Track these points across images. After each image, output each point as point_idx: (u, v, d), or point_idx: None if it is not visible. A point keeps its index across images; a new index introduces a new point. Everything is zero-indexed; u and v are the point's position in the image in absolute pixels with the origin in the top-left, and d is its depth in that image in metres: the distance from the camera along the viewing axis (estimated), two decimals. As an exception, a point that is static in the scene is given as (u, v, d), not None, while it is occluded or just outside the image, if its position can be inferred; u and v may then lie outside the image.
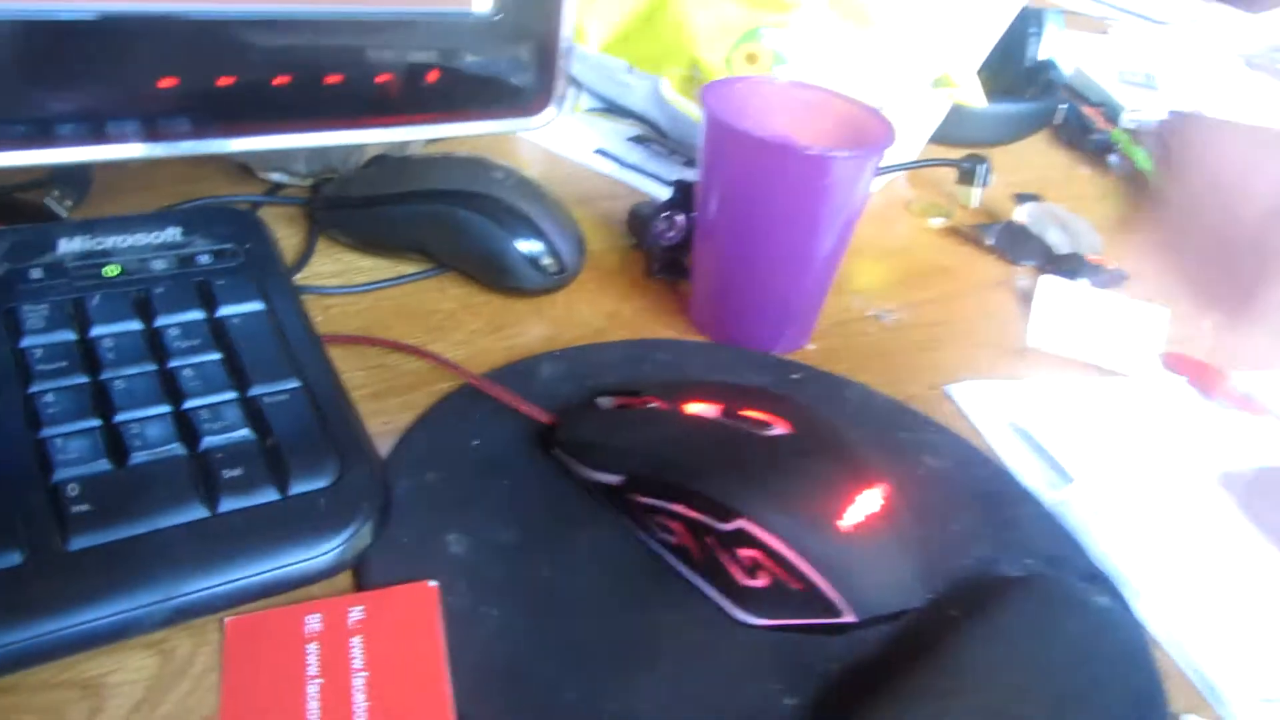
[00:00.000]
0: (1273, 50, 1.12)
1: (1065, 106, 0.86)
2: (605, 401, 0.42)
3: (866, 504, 0.35)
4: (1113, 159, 0.83)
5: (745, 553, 0.34)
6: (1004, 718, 0.31)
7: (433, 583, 0.34)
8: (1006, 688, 0.32)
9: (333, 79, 0.45)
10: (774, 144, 0.45)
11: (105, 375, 0.37)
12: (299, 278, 0.49)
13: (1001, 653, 0.34)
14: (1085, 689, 0.33)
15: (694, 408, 0.38)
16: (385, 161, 0.53)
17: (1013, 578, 0.38)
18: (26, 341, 0.37)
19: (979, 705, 0.32)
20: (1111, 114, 0.88)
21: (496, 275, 0.50)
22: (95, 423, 0.35)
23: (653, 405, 0.39)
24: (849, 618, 0.34)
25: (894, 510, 0.36)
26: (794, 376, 0.48)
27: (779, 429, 0.37)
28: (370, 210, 0.51)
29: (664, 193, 0.55)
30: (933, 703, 0.32)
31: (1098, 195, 0.77)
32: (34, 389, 0.36)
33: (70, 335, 0.38)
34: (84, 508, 0.32)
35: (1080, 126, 0.85)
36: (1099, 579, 0.40)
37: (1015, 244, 0.64)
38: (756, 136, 0.45)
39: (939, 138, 0.75)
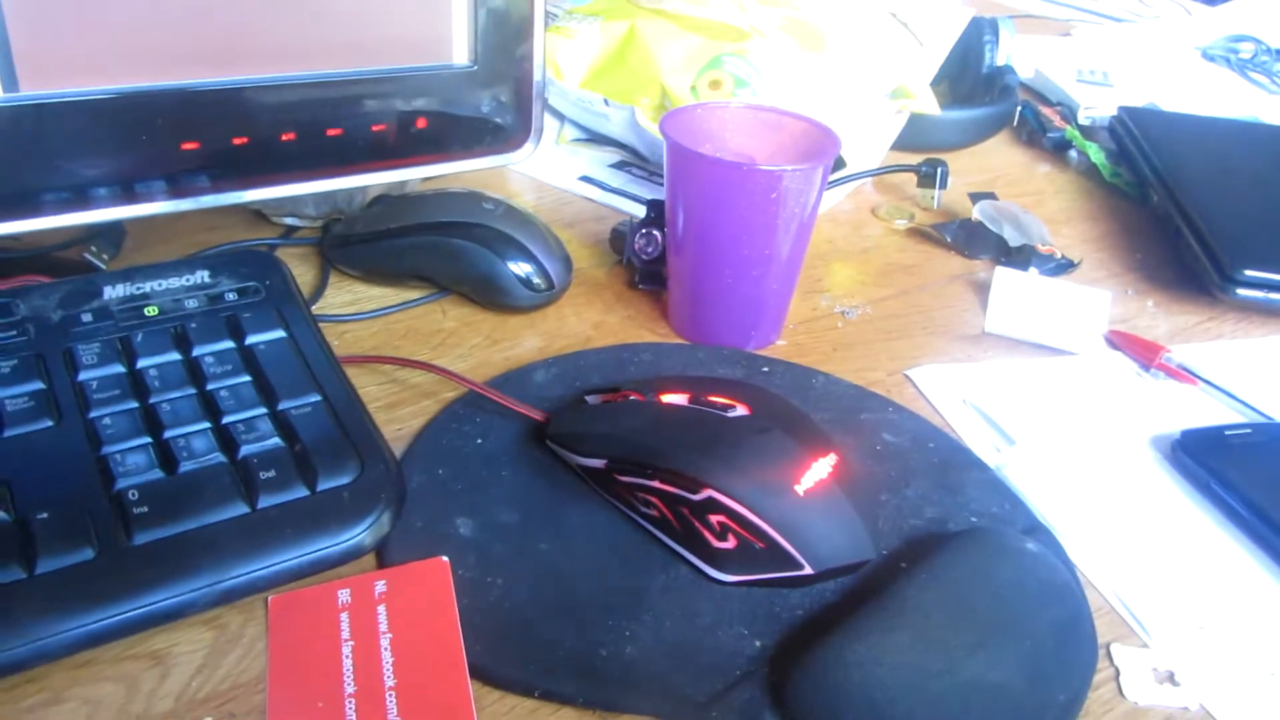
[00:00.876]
0: (1228, 42, 1.17)
1: (1021, 107, 0.92)
2: (592, 399, 0.47)
3: (819, 470, 0.40)
4: (1073, 155, 0.88)
5: (715, 519, 0.40)
6: (937, 644, 0.36)
7: (445, 559, 0.40)
8: (941, 621, 0.37)
9: (334, 131, 0.51)
10: (726, 164, 0.51)
11: (153, 399, 0.42)
12: (315, 308, 0.55)
13: (939, 593, 0.39)
14: (1014, 620, 0.38)
15: (667, 398, 0.44)
16: (387, 200, 0.59)
17: (956, 532, 0.43)
18: (83, 375, 0.43)
19: (915, 636, 0.37)
20: (1068, 113, 0.93)
21: (492, 295, 0.56)
22: (147, 440, 0.41)
23: (632, 398, 0.45)
24: (808, 570, 0.39)
25: (844, 475, 0.41)
26: (764, 370, 0.54)
27: (740, 410, 0.42)
28: (376, 244, 0.57)
29: (643, 212, 0.61)
30: (875, 636, 0.37)
31: (1055, 190, 0.82)
32: (93, 414, 0.41)
33: (120, 368, 0.44)
34: (143, 510, 0.38)
35: (1038, 126, 0.90)
36: (1035, 530, 0.45)
37: (972, 240, 0.69)
38: (711, 158, 0.51)
39: (903, 144, 0.81)
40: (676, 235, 0.55)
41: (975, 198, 0.74)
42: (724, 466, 0.40)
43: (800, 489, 0.40)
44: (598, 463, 0.43)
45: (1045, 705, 0.36)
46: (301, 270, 0.59)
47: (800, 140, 0.55)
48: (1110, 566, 0.44)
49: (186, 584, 0.36)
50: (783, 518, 0.39)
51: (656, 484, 0.41)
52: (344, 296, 0.57)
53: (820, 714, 0.35)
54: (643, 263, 0.60)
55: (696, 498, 0.40)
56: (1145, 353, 0.59)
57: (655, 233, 0.60)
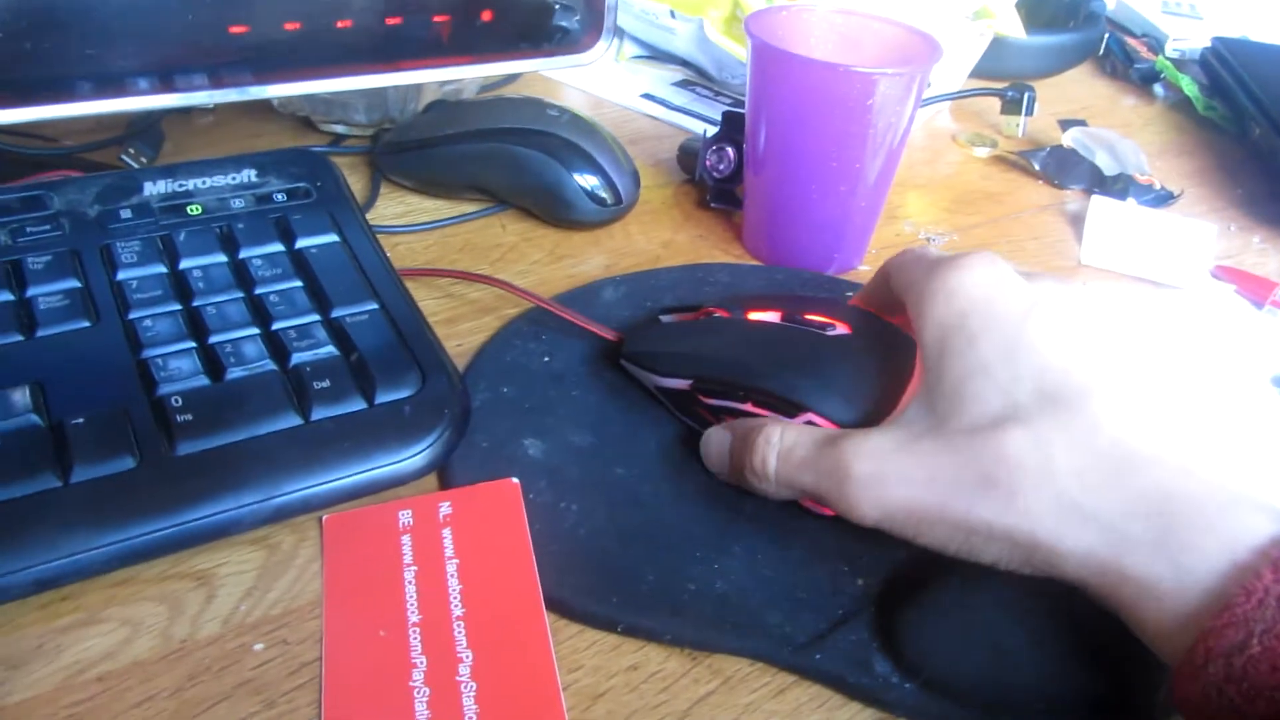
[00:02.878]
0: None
1: (1108, 37, 0.86)
2: (668, 318, 0.43)
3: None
4: (1158, 88, 0.83)
5: None
6: (1064, 588, 0.32)
7: (515, 480, 0.36)
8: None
9: (393, 20, 0.46)
10: (821, 65, 0.46)
11: (197, 303, 0.39)
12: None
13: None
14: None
15: (755, 315, 0.40)
16: (443, 106, 0.55)
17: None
18: (122, 274, 0.39)
19: (1043, 580, 0.33)
20: (1155, 44, 0.87)
21: (555, 208, 0.52)
22: (191, 344, 0.37)
23: (715, 315, 0.41)
24: None
25: None
26: (848, 294, 0.49)
27: (840, 329, 0.38)
28: (431, 151, 0.53)
29: (711, 131, 0.56)
30: (997, 578, 0.33)
31: (1143, 123, 0.77)
32: (132, 315, 0.38)
33: (162, 268, 0.40)
34: (187, 417, 0.34)
35: (1124, 57, 0.85)
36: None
37: (1063, 168, 0.65)
38: (802, 58, 0.46)
39: (980, 72, 0.76)
40: (757, 149, 0.50)
41: (1065, 124, 0.69)
42: (824, 388, 0.36)
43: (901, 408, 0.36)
44: (681, 383, 0.39)
45: (1159, 686, 0.32)
46: (351, 181, 0.54)
47: (894, 50, 0.50)
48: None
49: (234, 499, 0.33)
50: None
51: (748, 407, 0.37)
52: (396, 208, 0.53)
53: (939, 661, 0.31)
54: (715, 181, 0.56)
55: (793, 422, 0.36)
56: (1258, 289, 0.54)
57: (728, 148, 0.55)
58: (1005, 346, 0.31)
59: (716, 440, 0.37)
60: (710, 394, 0.38)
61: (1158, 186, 0.63)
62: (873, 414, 0.35)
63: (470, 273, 0.47)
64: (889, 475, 0.31)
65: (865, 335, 0.38)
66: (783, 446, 0.34)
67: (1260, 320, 0.53)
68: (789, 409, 0.36)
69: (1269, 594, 0.25)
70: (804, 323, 0.39)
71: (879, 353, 0.37)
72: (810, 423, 0.35)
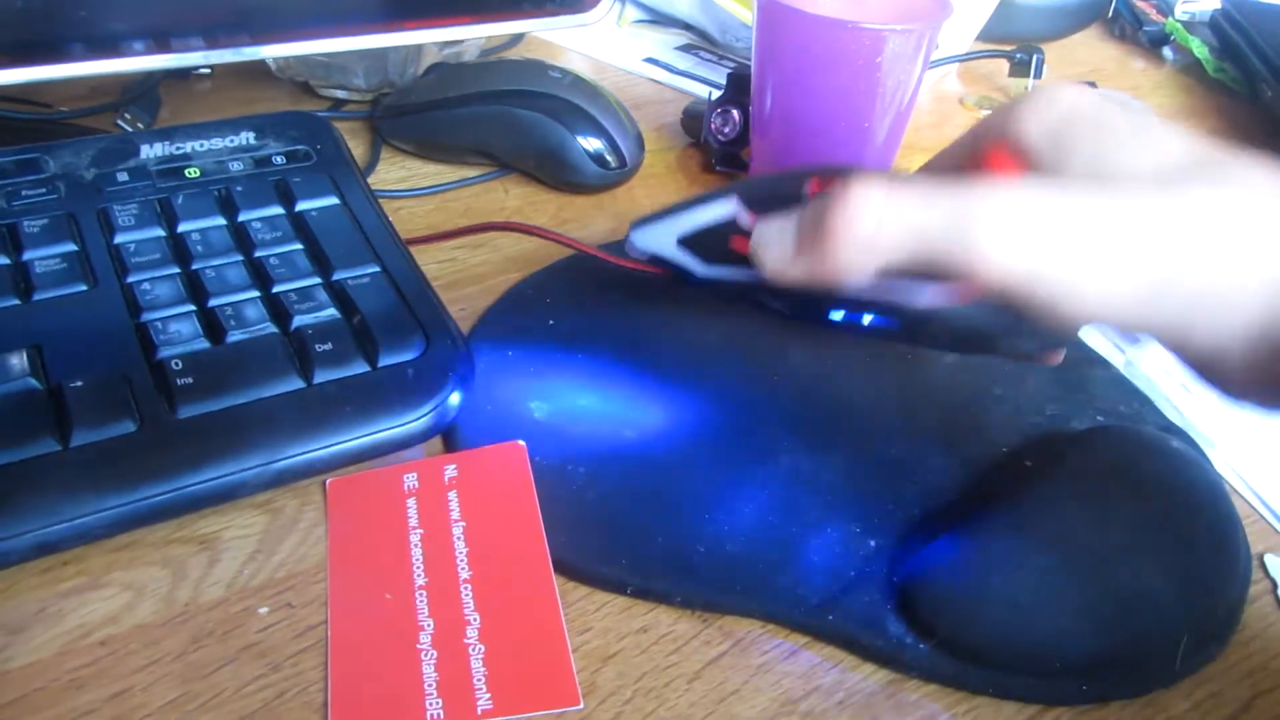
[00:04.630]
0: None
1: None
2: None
3: None
4: (1167, 51, 0.82)
5: None
6: (1081, 548, 0.32)
7: (521, 442, 0.36)
8: (1082, 521, 0.33)
9: (392, -23, 0.46)
10: (829, 22, 0.45)
11: (196, 265, 0.38)
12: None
13: (1076, 492, 0.34)
14: (1164, 519, 0.33)
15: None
16: (443, 69, 0.54)
17: (1087, 429, 0.39)
18: (120, 238, 0.39)
19: (1056, 537, 0.32)
20: (1165, 6, 0.86)
21: (558, 171, 0.51)
22: (191, 307, 0.37)
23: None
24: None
25: None
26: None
27: None
28: (432, 114, 0.52)
29: (716, 94, 0.55)
30: (1010, 537, 0.32)
31: (1153, 86, 0.76)
32: (131, 279, 0.37)
33: (160, 231, 0.39)
34: (188, 380, 0.34)
35: (1133, 19, 0.84)
36: (1172, 430, 0.40)
37: (1072, 130, 0.63)
38: (811, 16, 0.45)
39: (988, 34, 0.74)
40: (763, 110, 0.49)
41: (1075, 86, 0.68)
42: None
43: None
44: (722, 203, 0.35)
45: (1203, 618, 0.32)
46: (351, 145, 0.54)
47: (902, 8, 0.49)
48: (1257, 470, 0.39)
49: (237, 462, 0.33)
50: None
51: (811, 189, 0.33)
52: (397, 172, 0.52)
53: (954, 621, 0.31)
54: (720, 144, 0.55)
55: None
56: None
57: (734, 111, 0.55)
58: (1132, 132, 0.26)
59: (777, 227, 0.30)
60: (760, 204, 0.34)
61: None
62: None
63: (491, 223, 0.46)
64: (1055, 216, 0.25)
65: None
66: (883, 196, 0.26)
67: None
68: None
69: None
70: None
71: None
72: None
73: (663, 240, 0.38)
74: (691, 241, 0.37)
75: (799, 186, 0.33)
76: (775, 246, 0.30)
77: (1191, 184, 0.25)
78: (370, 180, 0.51)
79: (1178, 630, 0.31)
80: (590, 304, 0.43)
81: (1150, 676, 0.31)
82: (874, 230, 0.26)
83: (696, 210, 0.36)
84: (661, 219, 0.38)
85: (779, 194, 0.33)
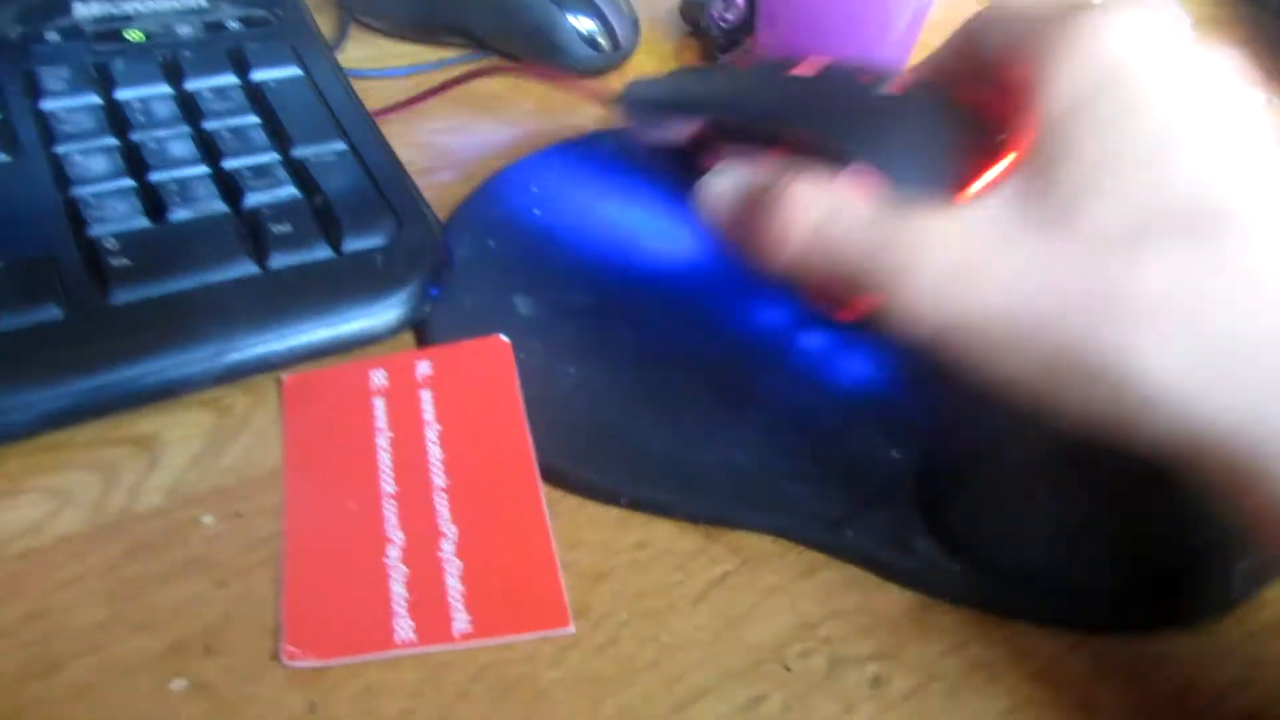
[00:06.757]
0: None
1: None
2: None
3: (994, 172, 0.29)
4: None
5: None
6: (1129, 463, 0.28)
7: (504, 338, 0.32)
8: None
9: None
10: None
11: (135, 136, 0.34)
12: (333, 64, 0.46)
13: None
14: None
15: (796, 72, 0.31)
16: (418, -61, 0.49)
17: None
18: (47, 104, 0.34)
19: (1105, 451, 0.29)
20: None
21: (547, 54, 0.46)
22: (129, 182, 0.32)
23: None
24: None
25: None
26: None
27: (892, 90, 0.31)
28: (406, -12, 0.47)
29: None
30: (1052, 456, 0.29)
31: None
32: (59, 149, 0.33)
33: (95, 98, 0.35)
34: (124, 262, 0.30)
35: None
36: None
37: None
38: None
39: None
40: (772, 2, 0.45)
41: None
42: (880, 139, 0.28)
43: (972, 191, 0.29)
44: (690, 125, 0.31)
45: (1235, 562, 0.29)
46: (315, 20, 0.49)
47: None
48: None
49: (180, 354, 0.29)
50: None
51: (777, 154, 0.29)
52: (366, 50, 0.48)
53: (990, 541, 0.27)
54: (722, 30, 0.51)
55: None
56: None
57: (737, -6, 0.50)
58: (1155, 139, 0.23)
59: (731, 178, 0.28)
60: (729, 137, 0.31)
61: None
62: (940, 187, 0.27)
63: (477, 70, 0.41)
64: (978, 273, 0.23)
65: (925, 98, 0.29)
66: (826, 206, 0.25)
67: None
68: (833, 157, 0.27)
69: None
70: (852, 71, 0.30)
71: (945, 119, 0.29)
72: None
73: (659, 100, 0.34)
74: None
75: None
76: (722, 199, 0.28)
77: (1140, 246, 0.22)
78: (338, 58, 0.46)
79: (1233, 553, 0.28)
80: (580, 194, 0.39)
81: (1203, 602, 0.28)
82: (801, 246, 0.25)
83: (664, 125, 0.33)
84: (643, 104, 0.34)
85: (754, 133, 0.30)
